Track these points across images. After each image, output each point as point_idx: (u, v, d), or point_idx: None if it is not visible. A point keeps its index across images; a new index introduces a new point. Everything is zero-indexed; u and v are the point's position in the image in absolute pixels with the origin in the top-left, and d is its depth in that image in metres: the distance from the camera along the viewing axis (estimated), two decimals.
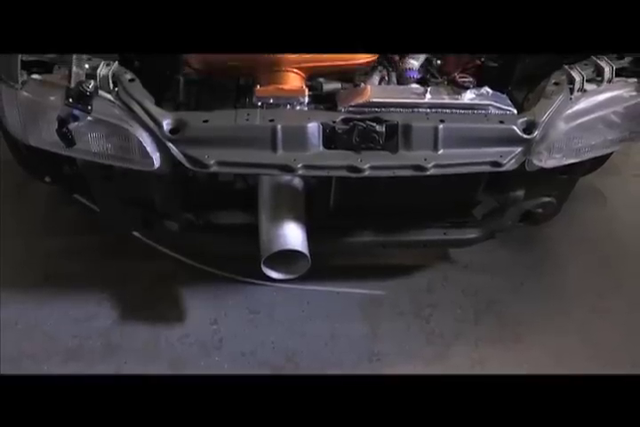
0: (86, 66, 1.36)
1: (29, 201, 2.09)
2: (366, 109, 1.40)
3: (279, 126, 1.34)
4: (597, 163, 1.86)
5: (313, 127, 1.36)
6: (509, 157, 1.41)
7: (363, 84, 1.54)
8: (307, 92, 1.44)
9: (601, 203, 2.23)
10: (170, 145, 1.35)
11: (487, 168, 1.41)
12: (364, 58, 1.54)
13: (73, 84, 1.31)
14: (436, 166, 1.36)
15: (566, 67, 1.50)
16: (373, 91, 1.45)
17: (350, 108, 1.41)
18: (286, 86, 1.45)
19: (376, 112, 1.40)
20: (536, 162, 1.45)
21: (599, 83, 1.49)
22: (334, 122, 1.37)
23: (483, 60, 1.67)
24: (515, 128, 1.40)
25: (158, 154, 1.36)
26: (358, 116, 1.38)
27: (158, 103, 1.41)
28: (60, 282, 1.84)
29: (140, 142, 1.35)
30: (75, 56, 1.35)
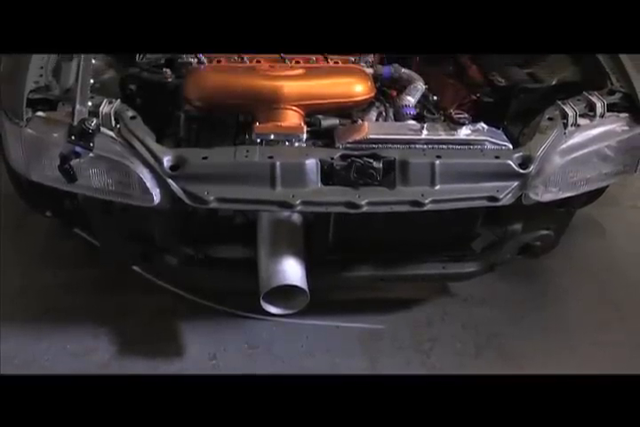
0: (89, 103, 1.38)
1: (29, 234, 2.10)
2: (364, 146, 1.43)
3: (278, 163, 1.36)
4: (594, 195, 1.88)
5: (311, 164, 1.37)
6: (506, 192, 1.42)
7: (360, 121, 1.57)
8: (305, 129, 1.47)
9: (600, 234, 2.24)
10: (170, 181, 1.36)
11: (484, 203, 1.42)
12: (361, 95, 1.58)
13: (75, 122, 1.33)
14: (433, 202, 1.38)
15: (559, 102, 1.53)
16: (371, 127, 1.48)
17: (348, 145, 1.44)
18: (285, 123, 1.48)
19: (373, 148, 1.42)
20: (532, 196, 1.47)
21: (592, 118, 1.52)
22: (332, 158, 1.39)
23: (478, 95, 1.70)
24: (511, 163, 1.42)
25: (158, 190, 1.38)
26: (356, 153, 1.40)
27: (159, 139, 1.44)
28: (58, 316, 1.83)
29: (141, 178, 1.37)
30: (79, 94, 1.38)
